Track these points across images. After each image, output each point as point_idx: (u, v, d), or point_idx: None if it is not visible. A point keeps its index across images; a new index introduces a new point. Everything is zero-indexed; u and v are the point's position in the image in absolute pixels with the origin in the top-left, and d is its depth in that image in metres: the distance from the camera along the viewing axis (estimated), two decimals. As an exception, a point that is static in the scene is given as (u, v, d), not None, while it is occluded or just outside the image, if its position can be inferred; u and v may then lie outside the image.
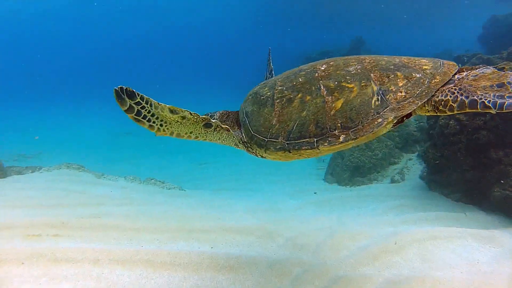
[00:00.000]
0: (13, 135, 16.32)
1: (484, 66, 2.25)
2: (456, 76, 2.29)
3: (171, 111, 2.40)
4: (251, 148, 2.65)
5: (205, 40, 51.42)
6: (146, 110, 2.36)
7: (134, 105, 2.31)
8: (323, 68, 2.41)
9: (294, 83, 2.45)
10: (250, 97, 2.72)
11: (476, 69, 2.29)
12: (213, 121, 2.51)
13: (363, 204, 6.87)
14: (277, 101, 2.44)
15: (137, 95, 2.28)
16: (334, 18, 32.50)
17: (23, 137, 15.91)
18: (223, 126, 2.55)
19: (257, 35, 43.94)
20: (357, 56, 2.50)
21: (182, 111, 2.40)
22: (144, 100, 2.32)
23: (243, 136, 2.66)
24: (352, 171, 8.51)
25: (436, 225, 5.21)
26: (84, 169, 8.58)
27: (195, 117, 2.45)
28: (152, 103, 2.35)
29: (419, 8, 29.39)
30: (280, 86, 2.50)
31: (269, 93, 2.52)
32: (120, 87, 2.25)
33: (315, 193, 7.92)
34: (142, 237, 4.83)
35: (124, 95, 2.26)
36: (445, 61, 2.38)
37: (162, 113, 2.41)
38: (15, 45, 48.86)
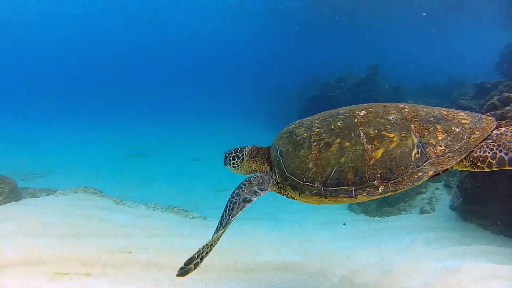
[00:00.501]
0: (18, 150, 15.76)
1: None
2: (494, 132, 2.24)
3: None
4: (283, 189, 2.60)
5: (213, 59, 51.25)
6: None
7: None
8: (362, 114, 2.36)
9: (332, 126, 2.38)
10: (284, 135, 2.64)
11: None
12: (263, 189, 2.58)
13: (398, 236, 6.48)
14: (315, 143, 2.38)
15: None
16: (349, 43, 32.61)
17: (29, 154, 15.35)
18: (258, 194, 2.56)
19: (270, 54, 43.69)
20: (396, 104, 2.45)
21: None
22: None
23: (276, 177, 2.59)
24: (380, 201, 8.19)
25: (485, 260, 4.89)
26: (101, 193, 8.05)
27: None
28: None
29: (432, 35, 29.65)
30: (317, 128, 2.44)
31: (305, 134, 2.47)
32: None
33: (344, 224, 7.46)
34: (184, 278, 4.27)
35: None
36: (483, 116, 2.32)
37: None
38: (14, 52, 48.38)
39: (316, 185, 2.30)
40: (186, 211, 7.90)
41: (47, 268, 4.23)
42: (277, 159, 2.57)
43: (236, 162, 3.03)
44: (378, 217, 7.98)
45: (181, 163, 14.79)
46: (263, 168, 2.93)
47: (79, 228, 5.80)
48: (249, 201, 2.49)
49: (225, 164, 3.17)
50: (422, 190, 8.48)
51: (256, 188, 2.55)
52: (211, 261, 4.66)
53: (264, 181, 2.63)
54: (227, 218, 2.40)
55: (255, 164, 2.98)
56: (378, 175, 2.17)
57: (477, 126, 2.22)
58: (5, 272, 4.14)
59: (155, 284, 4.11)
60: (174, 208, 7.90)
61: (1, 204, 6.60)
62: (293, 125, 2.69)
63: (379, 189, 2.17)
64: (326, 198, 2.29)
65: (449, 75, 17.17)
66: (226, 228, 2.39)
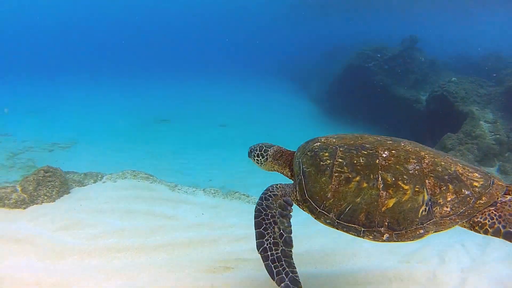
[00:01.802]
0: (28, 118, 14.72)
1: None
2: (500, 199, 2.28)
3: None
4: (301, 206, 2.65)
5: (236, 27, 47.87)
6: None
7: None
8: (384, 156, 2.40)
9: (355, 161, 2.43)
10: (309, 154, 2.65)
11: None
12: (290, 202, 2.63)
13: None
14: (336, 174, 2.43)
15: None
16: (385, 12, 30.37)
17: (42, 122, 14.38)
18: (289, 209, 2.62)
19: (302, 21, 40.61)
20: (418, 150, 2.46)
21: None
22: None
23: (296, 194, 2.63)
24: None
25: None
26: (153, 178, 7.30)
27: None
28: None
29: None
30: (340, 159, 2.47)
31: (329, 161, 2.50)
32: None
33: None
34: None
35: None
36: (495, 180, 2.34)
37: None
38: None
39: (331, 216, 2.41)
40: (248, 196, 7.24)
41: None
42: (300, 177, 2.63)
43: (260, 160, 3.17)
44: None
45: (209, 130, 13.99)
46: (284, 172, 3.07)
47: (154, 233, 5.12)
48: (286, 216, 2.57)
49: (249, 157, 3.30)
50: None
51: (282, 202, 2.63)
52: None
53: (286, 193, 2.71)
54: (282, 238, 2.47)
55: (277, 166, 3.11)
56: (386, 223, 2.28)
57: (486, 191, 2.27)
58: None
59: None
60: (235, 193, 7.21)
61: (55, 199, 5.85)
62: (318, 144, 2.68)
63: (384, 236, 2.29)
64: (338, 229, 2.43)
65: (485, 49, 16.19)
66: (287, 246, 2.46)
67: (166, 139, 12.75)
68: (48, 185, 5.79)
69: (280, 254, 2.37)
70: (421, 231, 2.25)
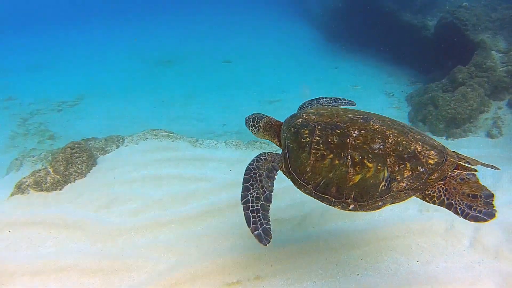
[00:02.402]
0: (29, 74, 14.28)
1: (471, 173, 2.60)
2: (449, 173, 2.62)
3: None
4: (286, 176, 3.03)
5: None
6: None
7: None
8: (354, 135, 2.73)
9: (329, 140, 2.77)
10: (292, 130, 3.00)
11: (466, 171, 2.63)
12: (276, 168, 3.02)
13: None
14: (313, 151, 2.79)
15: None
16: None
17: (43, 78, 13.95)
18: (274, 173, 2.99)
19: None
20: (384, 129, 2.75)
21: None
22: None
23: (282, 166, 3.02)
24: (448, 122, 8.00)
25: None
26: (173, 135, 7.31)
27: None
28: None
29: None
30: (318, 137, 2.82)
31: (308, 139, 2.85)
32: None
33: None
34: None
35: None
36: (449, 156, 2.65)
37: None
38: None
39: (309, 187, 2.81)
40: (268, 145, 7.30)
41: (214, 278, 3.88)
42: (285, 151, 3.02)
43: (253, 130, 3.59)
44: (446, 138, 7.82)
45: (214, 68, 13.55)
46: (274, 141, 3.46)
47: (188, 202, 5.29)
48: (269, 177, 2.94)
49: (246, 126, 3.68)
50: (485, 109, 8.12)
51: (270, 166, 3.00)
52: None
53: (275, 161, 3.06)
54: (263, 195, 2.81)
55: (267, 136, 3.50)
56: (352, 196, 2.68)
57: (439, 167, 2.59)
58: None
59: None
60: (255, 143, 7.25)
61: (85, 174, 5.97)
62: (300, 121, 3.00)
63: (350, 206, 2.70)
64: (315, 199, 2.83)
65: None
66: (265, 209, 2.77)
67: (173, 83, 12.47)
68: (77, 161, 5.86)
69: (259, 207, 2.71)
70: (380, 203, 2.65)
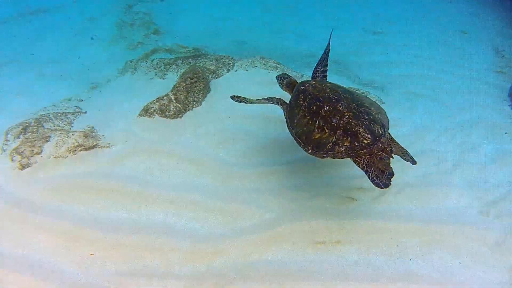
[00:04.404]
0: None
1: (387, 156, 3.70)
2: (376, 151, 3.72)
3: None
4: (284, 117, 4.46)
5: None
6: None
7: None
8: (325, 109, 3.87)
9: (311, 107, 3.96)
10: (296, 92, 4.27)
11: (387, 151, 3.74)
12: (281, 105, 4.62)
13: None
14: (301, 111, 4.03)
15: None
16: None
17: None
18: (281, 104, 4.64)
19: None
20: (344, 110, 3.86)
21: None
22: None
23: (284, 112, 4.44)
24: None
25: None
26: (281, 67, 7.35)
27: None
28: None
29: None
30: (306, 103, 4.03)
31: (301, 102, 4.08)
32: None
33: (505, 133, 6.11)
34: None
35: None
36: (379, 142, 3.73)
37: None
38: None
39: (293, 131, 4.06)
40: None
41: (305, 236, 4.42)
42: (288, 104, 4.37)
43: (280, 86, 4.93)
44: None
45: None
46: (290, 94, 4.66)
47: (288, 151, 5.62)
48: (273, 102, 4.62)
49: (276, 80, 5.02)
50: None
51: (280, 104, 4.58)
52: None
53: (284, 104, 4.49)
54: (260, 100, 4.74)
55: (288, 90, 4.83)
56: (312, 145, 3.86)
57: (368, 146, 3.69)
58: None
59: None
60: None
61: (201, 102, 6.41)
62: (303, 88, 4.22)
63: (309, 151, 3.90)
64: (295, 140, 4.12)
65: None
66: (257, 102, 4.73)
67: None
68: (195, 90, 6.27)
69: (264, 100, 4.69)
70: (325, 155, 3.79)
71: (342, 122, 3.77)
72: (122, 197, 4.90)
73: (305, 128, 3.94)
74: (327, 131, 3.80)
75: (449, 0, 11.54)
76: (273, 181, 5.21)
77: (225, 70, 7.17)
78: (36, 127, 5.80)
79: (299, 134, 4.01)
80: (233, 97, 4.74)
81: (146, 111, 6.03)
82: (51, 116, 6.15)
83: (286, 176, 5.27)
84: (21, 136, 5.65)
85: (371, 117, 3.84)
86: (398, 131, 6.05)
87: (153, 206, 4.82)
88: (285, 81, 4.88)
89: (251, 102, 4.67)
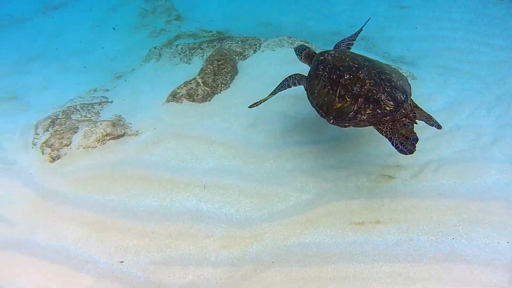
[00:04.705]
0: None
1: (411, 122, 3.59)
2: (398, 118, 3.60)
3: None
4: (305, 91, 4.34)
5: None
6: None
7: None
8: (346, 78, 3.76)
9: (331, 77, 3.85)
10: (316, 62, 4.16)
11: (410, 117, 3.63)
12: (301, 83, 4.50)
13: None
14: (321, 81, 3.94)
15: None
16: None
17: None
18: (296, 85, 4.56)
19: None
20: (365, 78, 3.72)
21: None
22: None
23: (305, 84, 4.35)
24: None
25: None
26: (306, 44, 6.99)
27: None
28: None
29: None
30: (326, 73, 3.93)
31: (320, 72, 3.98)
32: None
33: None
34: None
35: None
36: (402, 108, 3.58)
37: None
38: None
39: (314, 102, 3.96)
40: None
41: (343, 216, 4.19)
42: (308, 76, 4.26)
43: (299, 57, 4.86)
44: None
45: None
46: (309, 66, 4.54)
47: (319, 131, 5.32)
48: (289, 86, 4.52)
49: (294, 52, 4.94)
50: None
51: (296, 81, 4.44)
52: None
53: (302, 79, 4.38)
54: (275, 91, 4.62)
55: (306, 62, 4.73)
56: (334, 115, 3.75)
57: (391, 113, 3.56)
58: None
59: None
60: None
61: (229, 84, 6.16)
62: (322, 58, 4.10)
63: (331, 121, 3.80)
64: (315, 110, 4.01)
65: None
66: (272, 96, 4.58)
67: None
68: (222, 72, 6.03)
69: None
70: (347, 124, 3.70)
71: (363, 90, 3.66)
72: (153, 185, 4.76)
73: (326, 98, 3.86)
74: (348, 99, 3.70)
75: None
76: (306, 161, 4.95)
77: (252, 51, 6.88)
78: (64, 119, 5.73)
79: (320, 105, 3.92)
80: (251, 106, 4.63)
81: (174, 96, 5.84)
82: (78, 107, 6.08)
83: (320, 155, 5.00)
84: (50, 129, 5.60)
85: (393, 83, 3.69)
86: (432, 106, 5.64)
87: (185, 193, 4.64)
88: (303, 52, 4.78)
89: (268, 98, 4.53)
